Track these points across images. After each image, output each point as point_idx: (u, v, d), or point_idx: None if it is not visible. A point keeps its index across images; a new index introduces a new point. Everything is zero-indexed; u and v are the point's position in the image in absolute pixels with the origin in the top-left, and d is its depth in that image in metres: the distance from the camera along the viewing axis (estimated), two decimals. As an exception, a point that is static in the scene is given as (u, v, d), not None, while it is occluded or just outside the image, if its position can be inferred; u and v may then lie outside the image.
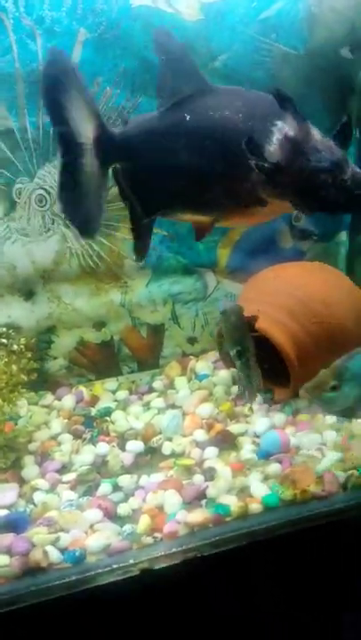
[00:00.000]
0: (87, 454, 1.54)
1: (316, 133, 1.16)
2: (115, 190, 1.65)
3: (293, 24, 1.58)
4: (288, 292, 1.60)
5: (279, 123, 1.14)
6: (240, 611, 1.42)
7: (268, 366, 1.64)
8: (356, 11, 1.55)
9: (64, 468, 1.51)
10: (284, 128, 1.14)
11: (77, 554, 1.22)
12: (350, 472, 1.42)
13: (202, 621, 1.38)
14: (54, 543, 1.24)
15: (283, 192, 1.15)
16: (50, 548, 1.22)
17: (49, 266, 1.73)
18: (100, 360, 1.88)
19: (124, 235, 1.75)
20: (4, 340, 1.58)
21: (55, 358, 1.83)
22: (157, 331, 1.92)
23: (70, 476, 1.46)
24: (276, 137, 1.14)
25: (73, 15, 1.48)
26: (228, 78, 1.60)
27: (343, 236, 1.95)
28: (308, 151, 1.13)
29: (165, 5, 1.55)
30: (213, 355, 1.89)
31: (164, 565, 1.24)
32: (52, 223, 1.68)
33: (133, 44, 1.54)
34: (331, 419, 1.61)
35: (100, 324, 1.85)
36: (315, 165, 1.11)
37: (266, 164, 1.10)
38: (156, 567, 1.23)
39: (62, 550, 1.23)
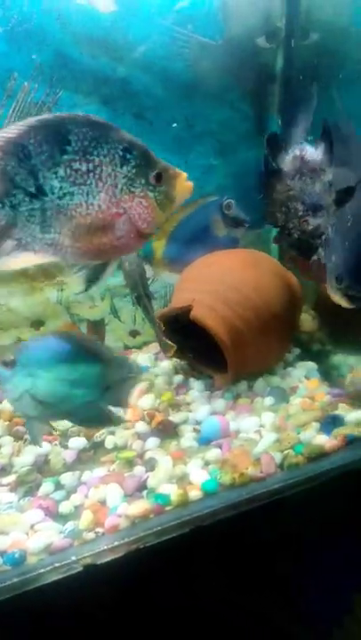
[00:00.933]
0: (28, 455, 1.52)
1: None
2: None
3: (208, 15, 1.59)
4: (221, 279, 1.63)
5: None
6: (185, 599, 1.45)
7: (207, 355, 1.68)
8: (269, 0, 1.56)
9: (3, 471, 1.49)
10: None
11: (17, 555, 1.22)
12: (287, 452, 1.47)
13: (148, 612, 1.41)
14: (-8, 546, 1.24)
15: None
16: (-13, 552, 1.22)
17: (-20, 267, 1.70)
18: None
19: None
20: None
21: (-6, 360, 1.81)
22: (98, 326, 1.92)
23: (10, 479, 1.45)
24: None
25: (-17, 8, 1.45)
26: (147, 70, 1.60)
27: (274, 222, 1.98)
28: None
29: (80, -3, 1.53)
30: (155, 346, 1.91)
31: (107, 560, 1.25)
32: (-19, 223, 1.65)
33: (49, 37, 1.51)
34: (269, 401, 1.66)
35: (37, 323, 1.83)
36: None
37: None
38: (99, 562, 1.25)
39: (1, 553, 1.23)
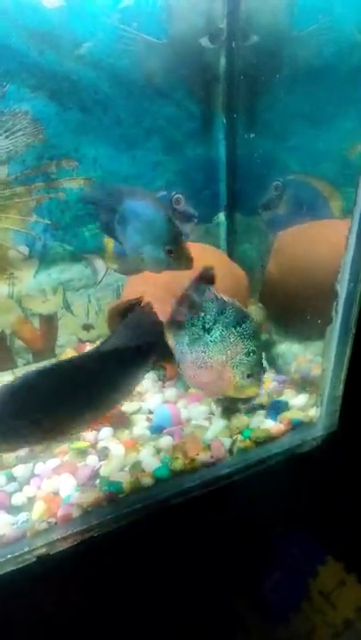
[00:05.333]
0: (-21, 449, 1.52)
1: None
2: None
3: (153, 14, 1.62)
4: (170, 272, 1.66)
5: None
6: (140, 586, 1.48)
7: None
8: (210, 2, 1.61)
9: None
10: None
11: (-31, 548, 1.22)
12: (235, 437, 1.53)
13: (102, 601, 1.43)
14: None
15: None
16: None
17: None
18: (-7, 354, 1.86)
19: (6, 224, 1.73)
20: None
21: None
22: (50, 320, 1.92)
23: None
24: None
25: None
26: (94, 66, 1.62)
27: (221, 217, 2.04)
28: None
29: (26, -10, 1.53)
30: (108, 340, 1.92)
31: (60, 549, 1.27)
32: None
33: (-6, 30, 1.51)
34: (218, 390, 1.72)
35: (-12, 318, 1.82)
36: None
37: None
38: (53, 552, 1.26)
39: None
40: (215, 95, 1.80)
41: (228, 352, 1.30)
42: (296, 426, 1.57)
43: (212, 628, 1.67)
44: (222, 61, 1.76)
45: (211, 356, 1.30)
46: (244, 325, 1.29)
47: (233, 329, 1.29)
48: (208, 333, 1.29)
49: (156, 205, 1.31)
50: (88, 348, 1.93)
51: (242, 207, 2.02)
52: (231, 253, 2.02)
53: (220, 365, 1.30)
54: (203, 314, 1.29)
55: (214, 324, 1.29)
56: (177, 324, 1.30)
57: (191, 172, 1.92)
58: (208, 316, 1.29)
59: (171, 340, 1.33)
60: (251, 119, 1.87)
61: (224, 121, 1.84)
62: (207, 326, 1.29)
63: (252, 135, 1.86)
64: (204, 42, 1.69)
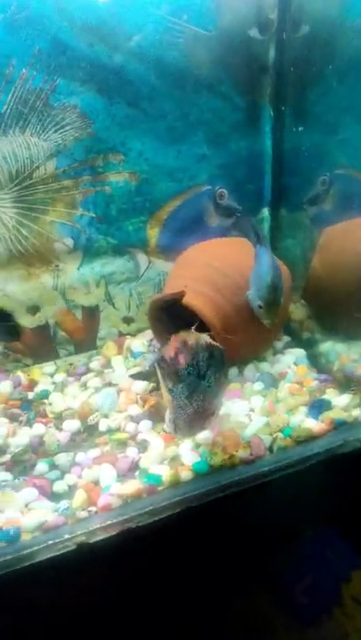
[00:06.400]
0: (23, 436, 1.56)
1: None
2: (42, 172, 1.67)
3: (202, 5, 1.60)
4: (213, 266, 1.66)
5: None
6: (176, 578, 1.48)
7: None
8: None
9: (-1, 451, 1.53)
10: None
11: (12, 532, 1.26)
12: (276, 435, 1.51)
13: (138, 591, 1.44)
14: (-12, 523, 1.27)
15: None
16: (-17, 529, 1.25)
17: (-24, 252, 1.72)
18: (36, 344, 1.89)
19: (53, 218, 1.76)
20: None
21: (-10, 345, 1.83)
22: (92, 312, 1.94)
23: (5, 458, 1.48)
24: None
25: (-19, -4, 1.46)
26: (142, 59, 1.62)
27: (265, 212, 2.01)
28: None
29: (77, -15, 1.54)
30: (149, 333, 1.93)
31: (100, 538, 1.28)
32: (-23, 209, 1.67)
33: (47, 25, 1.52)
34: (258, 385, 1.70)
35: (33, 309, 1.85)
36: None
37: None
38: (92, 540, 1.28)
39: (-3, 530, 1.26)
40: (263, 87, 1.77)
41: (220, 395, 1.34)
42: (338, 426, 1.53)
43: (239, 626, 1.66)
44: (271, 53, 1.72)
45: (208, 401, 1.30)
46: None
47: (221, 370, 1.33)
48: (204, 379, 1.29)
49: (271, 265, 1.49)
50: (128, 340, 1.95)
51: (287, 202, 1.98)
52: (274, 249, 1.99)
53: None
54: (196, 361, 1.28)
55: (207, 369, 1.29)
56: (175, 375, 1.28)
57: (236, 165, 1.90)
58: (202, 363, 1.28)
59: (165, 393, 1.31)
60: (299, 112, 1.83)
61: (271, 113, 1.80)
62: (201, 373, 1.29)
63: (300, 128, 1.82)
64: (253, 33, 1.66)
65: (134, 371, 1.73)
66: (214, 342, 1.33)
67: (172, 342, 1.31)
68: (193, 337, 1.32)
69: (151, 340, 1.92)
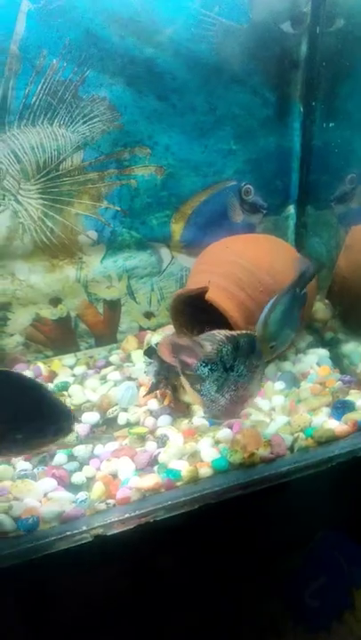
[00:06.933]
0: (42, 427, 1.56)
1: None
2: (69, 164, 1.67)
3: (236, -2, 1.59)
4: (236, 262, 1.64)
5: None
6: (191, 575, 1.47)
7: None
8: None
9: (19, 441, 1.53)
10: None
11: (30, 521, 1.26)
12: (297, 434, 1.49)
13: (154, 585, 1.44)
14: (7, 512, 1.27)
15: None
16: (2, 517, 1.25)
17: (1, 242, 1.72)
18: (57, 336, 1.89)
19: (78, 210, 1.76)
20: None
21: (12, 335, 1.83)
22: (114, 306, 1.94)
23: (25, 448, 1.48)
24: None
25: (15, -15, 1.46)
26: (173, 52, 1.61)
27: (291, 209, 1.99)
28: None
29: (110, -23, 1.54)
30: (170, 328, 1.92)
31: (117, 531, 1.28)
32: (3, 199, 1.67)
33: (78, 15, 1.52)
34: (280, 385, 1.68)
35: (56, 301, 1.85)
36: None
37: None
38: (109, 533, 1.27)
39: (15, 519, 1.26)
40: (293, 82, 1.75)
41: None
42: (362, 428, 1.51)
43: (245, 627, 1.64)
44: (303, 47, 1.70)
45: (243, 388, 1.31)
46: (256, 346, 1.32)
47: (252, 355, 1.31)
48: (233, 371, 1.29)
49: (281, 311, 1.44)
50: (148, 335, 1.94)
51: (314, 200, 1.95)
52: (299, 247, 1.97)
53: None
54: (219, 357, 1.28)
55: (235, 360, 1.29)
56: (193, 376, 1.28)
57: (263, 161, 1.88)
58: (226, 357, 1.28)
59: (192, 393, 1.31)
60: (330, 108, 1.80)
61: (301, 109, 1.78)
62: (228, 365, 1.28)
63: (330, 124, 1.79)
64: (286, 27, 1.64)
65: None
66: (239, 332, 1.31)
67: (164, 350, 1.32)
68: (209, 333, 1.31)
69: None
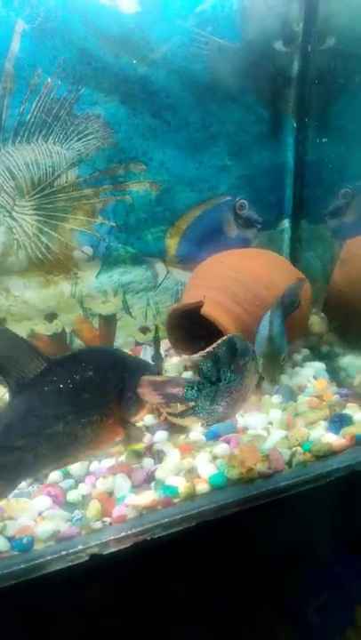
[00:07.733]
0: (37, 444, 1.54)
1: None
2: (64, 180, 1.68)
3: (228, 17, 1.62)
4: (232, 276, 1.65)
5: None
6: (189, 593, 1.45)
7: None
8: (287, 5, 1.59)
9: (13, 458, 1.51)
10: None
11: (25, 541, 1.23)
12: (295, 449, 1.47)
13: (151, 604, 1.41)
14: (1, 531, 1.24)
15: None
16: (-3, 536, 1.23)
17: (-4, 258, 1.73)
18: (53, 352, 1.88)
19: (73, 226, 1.77)
20: None
21: (6, 352, 1.83)
22: (109, 321, 1.94)
23: (19, 466, 1.46)
24: None
25: (10, 6, 1.48)
26: (167, 70, 1.64)
27: (286, 224, 2.01)
28: None
29: (103, -3, 1.57)
30: (165, 343, 1.92)
31: (113, 550, 1.26)
32: (-2, 215, 1.68)
33: (72, 35, 1.55)
34: (277, 398, 1.67)
35: (51, 316, 1.85)
36: None
37: None
38: (106, 552, 1.25)
39: (9, 538, 1.24)
40: (286, 99, 1.78)
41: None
42: (360, 442, 1.50)
43: None
44: (296, 65, 1.74)
45: (236, 391, 1.29)
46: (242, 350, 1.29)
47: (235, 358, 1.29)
48: (220, 381, 1.26)
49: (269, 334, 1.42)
50: (144, 350, 1.93)
51: (308, 214, 1.97)
52: (294, 261, 1.98)
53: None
54: (202, 375, 1.25)
55: (219, 372, 1.26)
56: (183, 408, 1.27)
57: (257, 176, 1.90)
58: (209, 373, 1.25)
59: (188, 421, 1.32)
60: (322, 124, 1.84)
61: (294, 125, 1.81)
62: (214, 379, 1.25)
63: (323, 140, 1.82)
64: (278, 45, 1.67)
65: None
66: (212, 346, 1.27)
67: (147, 393, 1.30)
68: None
69: (168, 350, 1.90)
